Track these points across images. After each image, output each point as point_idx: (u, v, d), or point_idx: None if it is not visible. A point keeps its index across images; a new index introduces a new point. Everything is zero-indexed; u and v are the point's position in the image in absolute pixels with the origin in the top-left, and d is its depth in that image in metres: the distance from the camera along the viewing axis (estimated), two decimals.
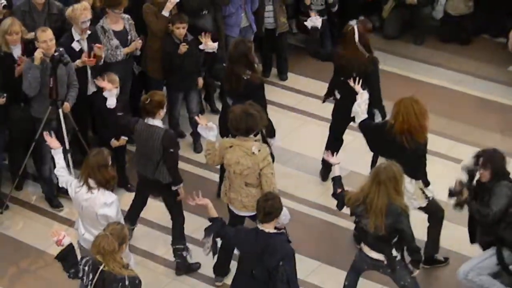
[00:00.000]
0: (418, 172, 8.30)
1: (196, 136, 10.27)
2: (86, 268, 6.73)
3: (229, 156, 7.98)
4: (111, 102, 8.47)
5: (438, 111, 10.71)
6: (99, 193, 7.38)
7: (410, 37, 12.88)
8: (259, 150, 7.93)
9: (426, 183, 8.38)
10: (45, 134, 7.97)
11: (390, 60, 11.93)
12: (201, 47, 9.42)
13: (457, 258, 8.67)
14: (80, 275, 6.77)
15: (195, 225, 8.93)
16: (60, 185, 7.86)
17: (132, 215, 8.75)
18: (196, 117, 8.41)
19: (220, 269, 8.61)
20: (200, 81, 10.31)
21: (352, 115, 8.79)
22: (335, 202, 7.83)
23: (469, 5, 12.50)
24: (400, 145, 8.14)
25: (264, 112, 8.52)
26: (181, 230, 8.65)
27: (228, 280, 8.41)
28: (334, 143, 9.65)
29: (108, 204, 7.38)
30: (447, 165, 9.99)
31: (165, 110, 8.33)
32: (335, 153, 8.31)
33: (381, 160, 8.36)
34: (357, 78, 9.01)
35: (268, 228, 7.15)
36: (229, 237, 7.48)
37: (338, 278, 8.16)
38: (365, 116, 8.56)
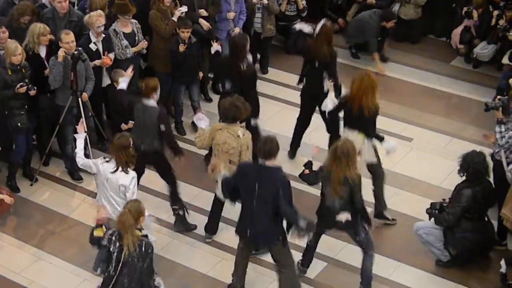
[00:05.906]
0: (370, 132, 8.47)
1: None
2: (114, 238, 6.78)
3: (218, 137, 8.24)
4: (122, 86, 8.78)
5: (393, 98, 11.00)
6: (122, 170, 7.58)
7: None
8: (243, 135, 8.17)
9: (380, 138, 8.53)
10: (81, 123, 8.12)
11: None
12: (212, 49, 9.69)
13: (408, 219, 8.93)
14: (105, 243, 6.81)
15: (193, 194, 9.17)
16: (79, 165, 7.92)
17: None
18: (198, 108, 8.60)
19: (210, 228, 8.76)
20: (201, 74, 10.44)
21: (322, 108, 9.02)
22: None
23: (418, 11, 12.61)
24: (354, 112, 8.33)
25: (252, 101, 8.72)
26: (176, 193, 8.68)
27: (217, 238, 8.68)
28: (301, 124, 9.80)
29: (128, 178, 7.55)
30: (400, 143, 9.95)
31: (158, 93, 8.42)
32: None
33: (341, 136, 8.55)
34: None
35: (270, 163, 7.26)
36: (234, 178, 7.54)
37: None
38: (331, 107, 8.83)
